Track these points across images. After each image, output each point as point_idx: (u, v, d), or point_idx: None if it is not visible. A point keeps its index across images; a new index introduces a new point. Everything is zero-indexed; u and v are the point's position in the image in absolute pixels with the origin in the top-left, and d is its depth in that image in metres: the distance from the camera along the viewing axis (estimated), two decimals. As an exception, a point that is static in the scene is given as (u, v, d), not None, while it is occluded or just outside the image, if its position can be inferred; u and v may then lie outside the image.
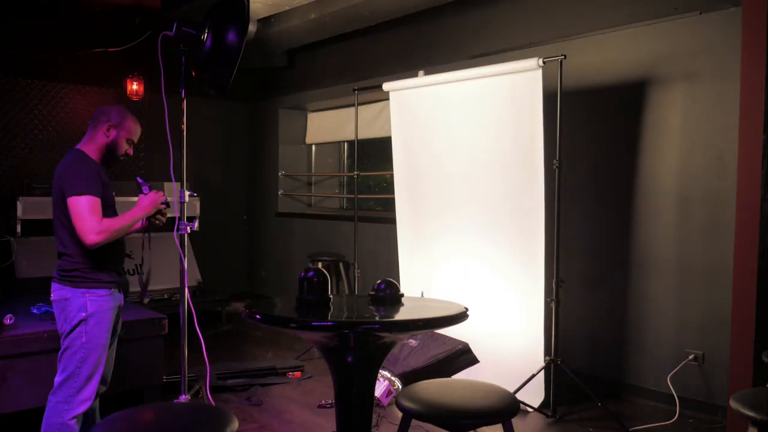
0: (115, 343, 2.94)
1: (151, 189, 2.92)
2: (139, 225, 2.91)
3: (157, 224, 2.95)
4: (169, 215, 3.02)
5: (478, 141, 4.26)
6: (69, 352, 2.70)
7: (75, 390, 2.68)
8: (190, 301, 2.85)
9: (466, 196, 4.35)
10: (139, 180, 2.95)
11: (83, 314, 2.69)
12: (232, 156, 7.64)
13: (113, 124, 2.82)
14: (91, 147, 2.83)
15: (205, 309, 6.24)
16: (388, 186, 6.25)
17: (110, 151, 2.84)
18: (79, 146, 2.84)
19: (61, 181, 2.71)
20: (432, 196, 4.59)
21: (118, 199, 2.99)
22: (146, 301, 2.93)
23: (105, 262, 2.76)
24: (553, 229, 3.87)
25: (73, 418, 2.69)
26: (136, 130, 2.91)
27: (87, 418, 2.81)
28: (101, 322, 2.72)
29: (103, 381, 2.82)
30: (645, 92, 4.13)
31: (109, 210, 2.78)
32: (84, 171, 2.70)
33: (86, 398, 2.71)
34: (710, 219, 3.86)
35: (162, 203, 2.87)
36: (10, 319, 3.41)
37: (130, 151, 2.93)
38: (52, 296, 2.77)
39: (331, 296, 2.42)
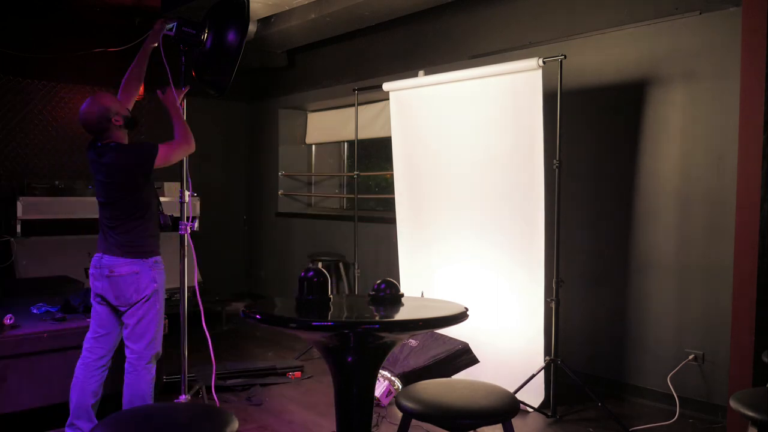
0: None
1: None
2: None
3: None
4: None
5: (478, 141, 4.26)
6: (146, 321, 3.01)
7: (155, 351, 3.08)
8: (199, 299, 3.18)
9: (466, 196, 4.35)
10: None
11: (155, 285, 3.01)
12: (232, 156, 7.64)
13: (113, 113, 2.98)
14: (118, 138, 3.02)
15: (205, 309, 6.24)
16: (388, 186, 6.25)
17: (128, 123, 3.06)
18: (109, 141, 3.01)
19: (124, 162, 2.94)
20: (432, 196, 4.59)
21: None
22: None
23: (155, 232, 3.08)
24: (553, 229, 3.87)
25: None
26: (113, 98, 3.07)
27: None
28: (163, 289, 3.09)
29: None
30: (645, 92, 4.13)
31: (153, 202, 3.09)
32: (136, 147, 3.03)
33: (161, 356, 3.16)
34: (710, 219, 3.86)
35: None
36: (10, 319, 3.42)
37: (134, 102, 3.26)
38: (119, 270, 2.95)
39: (331, 296, 2.42)
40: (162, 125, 3.03)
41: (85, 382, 3.05)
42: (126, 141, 3.04)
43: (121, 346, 3.11)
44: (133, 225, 2.99)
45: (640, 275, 4.17)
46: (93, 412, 3.06)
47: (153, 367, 3.08)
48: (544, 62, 3.80)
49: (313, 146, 7.45)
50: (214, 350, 3.26)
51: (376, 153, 6.54)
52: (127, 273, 2.96)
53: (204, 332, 3.25)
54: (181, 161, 3.19)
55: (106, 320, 3.08)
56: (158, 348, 3.11)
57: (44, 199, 5.53)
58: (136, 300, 2.98)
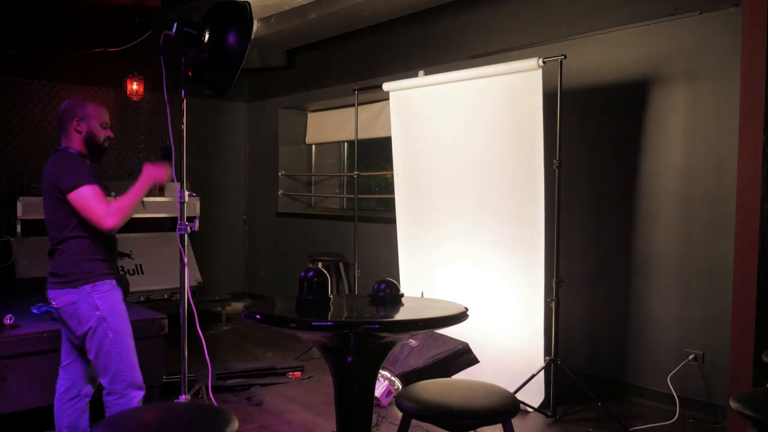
0: None
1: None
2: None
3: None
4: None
5: (478, 141, 4.26)
6: (103, 353, 2.69)
7: (127, 383, 2.72)
8: (191, 300, 2.84)
9: (466, 196, 4.35)
10: (162, 148, 2.83)
11: (98, 313, 2.67)
12: (232, 156, 7.64)
13: (79, 117, 2.78)
14: (72, 145, 2.81)
15: (205, 309, 6.24)
16: (388, 186, 6.25)
17: (90, 142, 2.80)
18: (62, 147, 2.82)
19: (55, 179, 2.67)
20: (432, 196, 4.59)
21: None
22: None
23: (98, 252, 2.72)
24: (553, 228, 3.87)
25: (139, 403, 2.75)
26: (101, 112, 2.86)
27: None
28: (117, 312, 2.71)
29: None
30: (645, 92, 4.13)
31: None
32: (74, 165, 2.69)
33: (140, 384, 2.77)
34: (710, 219, 3.86)
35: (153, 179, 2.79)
36: (10, 319, 3.41)
37: (110, 133, 2.88)
38: (55, 304, 2.71)
39: (331, 296, 2.42)
40: (162, 125, 2.96)
41: (58, 415, 2.85)
42: (77, 149, 2.78)
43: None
44: (67, 246, 2.68)
45: (640, 275, 4.17)
46: None
47: (133, 398, 2.75)
48: (544, 62, 3.80)
49: (313, 146, 7.45)
50: (214, 350, 3.25)
51: (376, 153, 6.54)
52: (65, 304, 2.68)
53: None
54: (181, 160, 3.17)
55: (67, 348, 2.88)
56: (131, 378, 2.74)
57: (44, 199, 5.53)
58: (83, 332, 2.69)
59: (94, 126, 2.81)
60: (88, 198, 2.60)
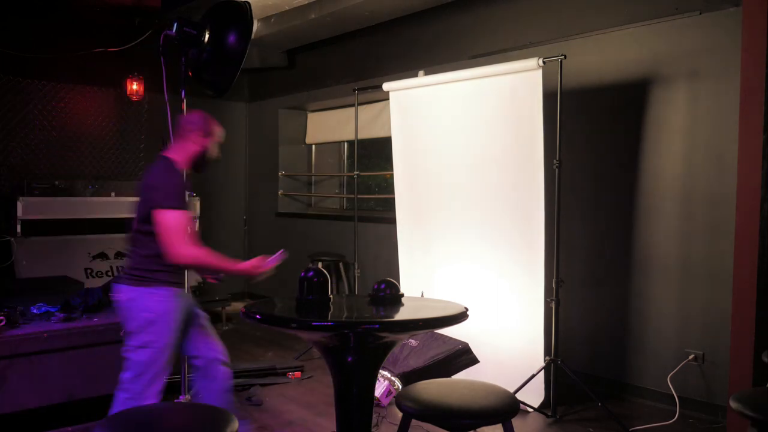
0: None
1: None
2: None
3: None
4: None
5: (478, 141, 4.25)
6: (138, 352, 2.69)
7: (142, 388, 2.68)
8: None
9: (466, 196, 4.35)
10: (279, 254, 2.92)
11: (150, 315, 2.67)
12: (232, 156, 7.64)
13: (204, 132, 2.83)
14: (181, 155, 2.81)
15: (205, 309, 6.23)
16: (388, 186, 6.25)
17: (202, 157, 2.86)
18: (167, 153, 2.81)
19: (150, 190, 2.69)
20: (432, 196, 4.59)
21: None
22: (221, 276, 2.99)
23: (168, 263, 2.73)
24: (553, 228, 3.87)
25: None
26: (221, 134, 2.93)
27: None
28: (168, 322, 2.71)
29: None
30: (645, 92, 4.13)
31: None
32: (173, 182, 2.69)
33: (153, 395, 2.73)
34: (710, 219, 3.86)
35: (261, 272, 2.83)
36: (1, 321, 3.39)
37: (219, 155, 2.97)
38: (117, 296, 2.73)
39: (331, 296, 2.42)
40: (162, 125, 2.96)
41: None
42: (183, 163, 2.80)
43: None
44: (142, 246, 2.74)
45: (641, 275, 4.17)
46: None
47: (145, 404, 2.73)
48: (544, 62, 3.80)
49: (313, 146, 7.45)
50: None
51: (376, 153, 6.54)
52: (125, 299, 2.74)
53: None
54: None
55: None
56: (151, 385, 2.73)
57: (44, 199, 5.53)
58: (130, 330, 2.74)
59: (212, 144, 2.88)
60: (171, 223, 2.61)
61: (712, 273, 3.83)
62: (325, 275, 2.41)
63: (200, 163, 2.88)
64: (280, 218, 7.25)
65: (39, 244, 5.49)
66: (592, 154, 4.41)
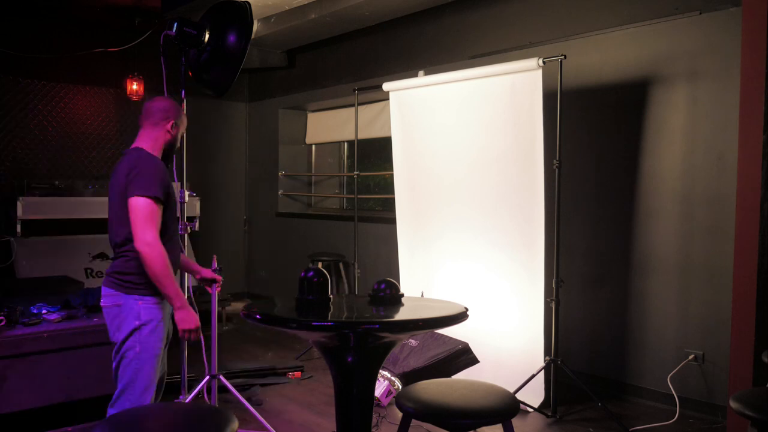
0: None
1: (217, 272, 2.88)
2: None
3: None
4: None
5: (478, 141, 4.26)
6: (123, 363, 2.57)
7: (132, 402, 2.55)
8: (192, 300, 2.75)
9: (466, 196, 4.35)
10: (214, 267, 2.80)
11: (137, 322, 2.55)
12: (232, 156, 7.64)
13: (175, 121, 2.72)
14: (152, 144, 2.67)
15: (205, 309, 6.23)
16: (388, 186, 6.25)
17: (170, 146, 2.75)
18: (139, 144, 2.66)
19: (129, 177, 2.51)
20: (432, 196, 4.59)
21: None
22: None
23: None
24: (553, 229, 3.87)
25: None
26: (186, 122, 2.85)
27: None
28: (155, 331, 2.59)
29: (158, 384, 2.71)
30: (645, 92, 4.13)
31: (170, 217, 2.66)
32: (154, 170, 2.55)
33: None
34: (710, 219, 3.86)
35: (187, 330, 2.65)
36: (1, 321, 3.39)
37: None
38: (103, 302, 2.62)
39: (331, 296, 2.42)
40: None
41: None
42: (157, 153, 2.67)
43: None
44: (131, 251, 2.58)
45: (640, 275, 4.17)
46: None
47: None
48: (544, 62, 3.80)
49: (313, 146, 7.45)
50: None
51: (376, 153, 6.54)
52: (110, 305, 2.60)
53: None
54: (180, 160, 3.17)
55: None
56: (140, 399, 2.59)
57: (44, 199, 5.53)
58: (118, 338, 2.61)
59: (180, 133, 2.79)
60: (143, 210, 2.48)
61: (712, 273, 3.83)
62: (325, 275, 2.41)
63: (169, 152, 2.75)
64: (280, 218, 7.25)
65: (39, 244, 5.49)
66: (592, 154, 4.41)
